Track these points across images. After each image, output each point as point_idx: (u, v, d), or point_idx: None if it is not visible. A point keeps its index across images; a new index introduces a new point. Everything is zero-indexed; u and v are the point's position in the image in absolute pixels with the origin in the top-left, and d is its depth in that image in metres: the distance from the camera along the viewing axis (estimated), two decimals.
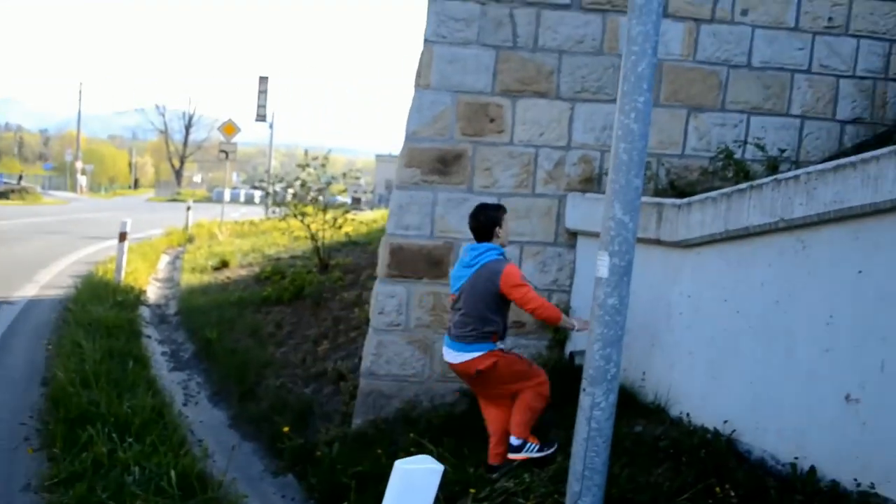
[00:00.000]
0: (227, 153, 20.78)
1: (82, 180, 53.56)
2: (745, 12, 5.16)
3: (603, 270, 3.00)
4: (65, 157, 59.91)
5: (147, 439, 4.51)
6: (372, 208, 30.15)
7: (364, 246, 10.44)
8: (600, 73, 5.11)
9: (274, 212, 10.51)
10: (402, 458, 2.31)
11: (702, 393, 4.01)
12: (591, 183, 5.16)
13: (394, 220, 5.16)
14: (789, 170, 4.85)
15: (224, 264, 12.25)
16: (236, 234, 18.01)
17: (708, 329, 3.99)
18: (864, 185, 3.05)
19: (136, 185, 72.23)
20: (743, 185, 3.77)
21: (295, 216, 10.25)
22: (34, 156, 77.62)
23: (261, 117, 29.93)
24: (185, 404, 6.38)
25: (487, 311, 3.94)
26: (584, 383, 3.13)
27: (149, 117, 72.88)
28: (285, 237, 11.94)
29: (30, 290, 9.97)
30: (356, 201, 31.08)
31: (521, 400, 4.04)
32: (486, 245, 4.06)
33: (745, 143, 5.17)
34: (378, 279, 5.26)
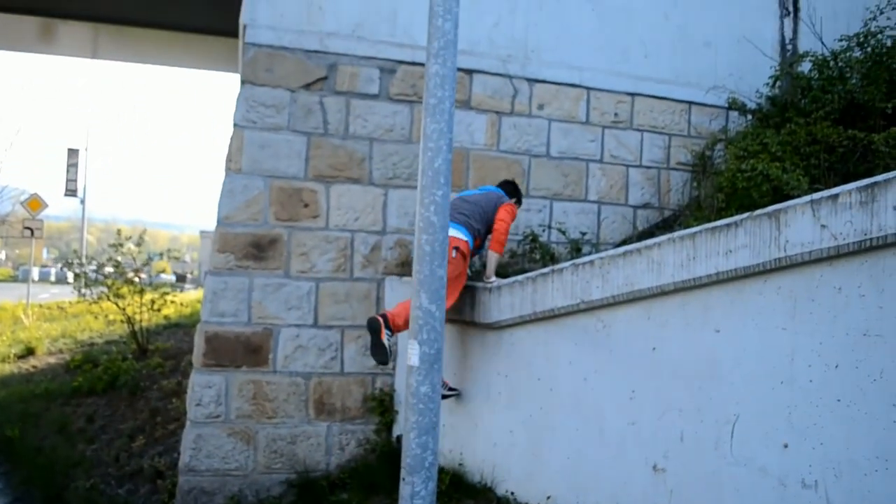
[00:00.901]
0: (31, 230, 18.93)
1: None
2: (541, 107, 5.59)
3: (414, 359, 2.99)
4: None
5: None
6: (197, 287, 28.56)
7: (187, 328, 9.93)
8: (411, 160, 5.24)
9: (84, 295, 9.64)
10: None
11: (525, 470, 4.06)
12: (408, 267, 5.19)
13: (209, 307, 4.87)
14: (591, 252, 5.21)
15: (30, 352, 11.23)
16: (45, 317, 16.34)
17: (525, 407, 4.08)
18: (649, 269, 3.33)
19: None
20: (546, 270, 3.97)
21: (109, 298, 9.42)
22: None
23: (70, 192, 27.84)
24: None
25: (478, 217, 4.43)
26: (402, 472, 3.05)
27: None
28: (99, 321, 11.14)
29: None
30: (181, 279, 29.29)
31: None
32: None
33: (549, 227, 5.51)
34: (194, 369, 4.91)
